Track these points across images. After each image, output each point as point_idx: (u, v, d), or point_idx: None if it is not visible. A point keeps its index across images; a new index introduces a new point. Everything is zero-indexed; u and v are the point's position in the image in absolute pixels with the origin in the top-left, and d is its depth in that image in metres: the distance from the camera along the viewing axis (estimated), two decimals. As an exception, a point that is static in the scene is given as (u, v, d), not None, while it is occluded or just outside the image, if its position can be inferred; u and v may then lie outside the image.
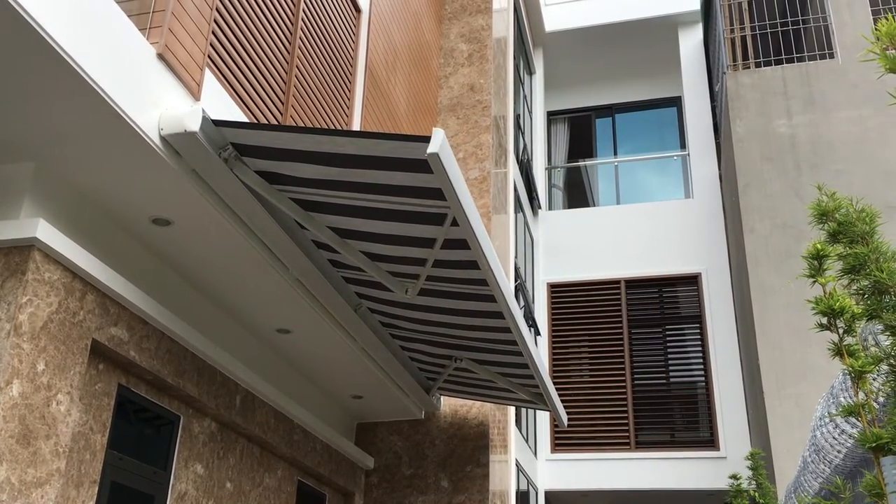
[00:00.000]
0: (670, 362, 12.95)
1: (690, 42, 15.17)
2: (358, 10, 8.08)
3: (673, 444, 12.46)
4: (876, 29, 2.66)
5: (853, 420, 4.19)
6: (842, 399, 4.09)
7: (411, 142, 4.08)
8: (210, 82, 5.14)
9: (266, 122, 5.77)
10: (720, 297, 12.94)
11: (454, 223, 4.81)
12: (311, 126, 6.59)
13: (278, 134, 4.30)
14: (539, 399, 7.97)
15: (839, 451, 4.53)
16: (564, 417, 8.76)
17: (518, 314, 5.99)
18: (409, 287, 5.74)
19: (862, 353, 3.62)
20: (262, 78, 5.89)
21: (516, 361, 7.06)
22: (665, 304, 13.30)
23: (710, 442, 12.27)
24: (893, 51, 2.60)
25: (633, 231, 13.81)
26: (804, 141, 10.86)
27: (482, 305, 5.98)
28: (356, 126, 7.66)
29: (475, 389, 8.10)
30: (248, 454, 6.64)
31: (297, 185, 4.74)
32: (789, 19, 12.52)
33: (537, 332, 13.21)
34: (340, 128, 7.26)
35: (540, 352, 13.33)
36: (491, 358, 7.12)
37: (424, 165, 4.22)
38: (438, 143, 4.02)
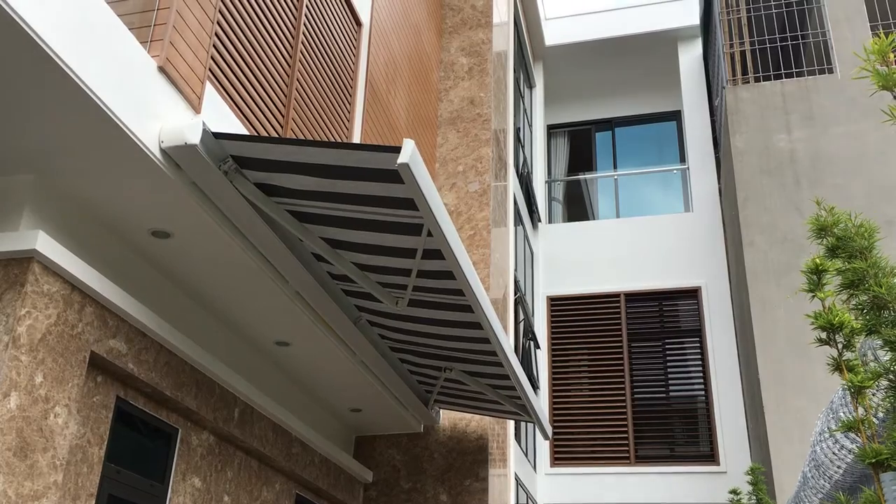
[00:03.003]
0: (670, 376, 12.92)
1: (690, 56, 15.23)
2: (359, 23, 8.11)
3: (673, 459, 12.42)
4: (867, 46, 2.67)
5: (853, 435, 4.17)
6: (841, 414, 4.08)
7: (383, 152, 4.12)
8: (211, 95, 5.16)
9: (266, 135, 5.79)
10: (720, 310, 12.93)
11: (430, 233, 4.85)
12: (310, 139, 6.61)
13: (265, 145, 4.33)
14: (523, 411, 7.97)
15: (839, 467, 4.51)
16: (549, 430, 8.77)
17: (496, 324, 6.00)
18: (399, 299, 5.77)
19: (861, 369, 3.62)
20: (262, 91, 5.91)
21: (500, 372, 7.08)
22: (665, 317, 13.29)
23: (710, 456, 12.23)
24: (885, 67, 2.61)
25: (633, 245, 13.82)
26: (803, 155, 10.88)
27: (466, 316, 6.01)
28: (356, 139, 7.68)
29: (470, 402, 8.11)
30: (247, 467, 6.62)
31: (290, 197, 4.78)
32: (788, 34, 12.57)
33: (537, 346, 13.19)
34: (341, 141, 7.27)
35: (540, 365, 13.31)
36: (478, 369, 7.14)
37: (398, 176, 4.26)
38: (409, 153, 4.07)
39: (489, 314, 5.77)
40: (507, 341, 6.42)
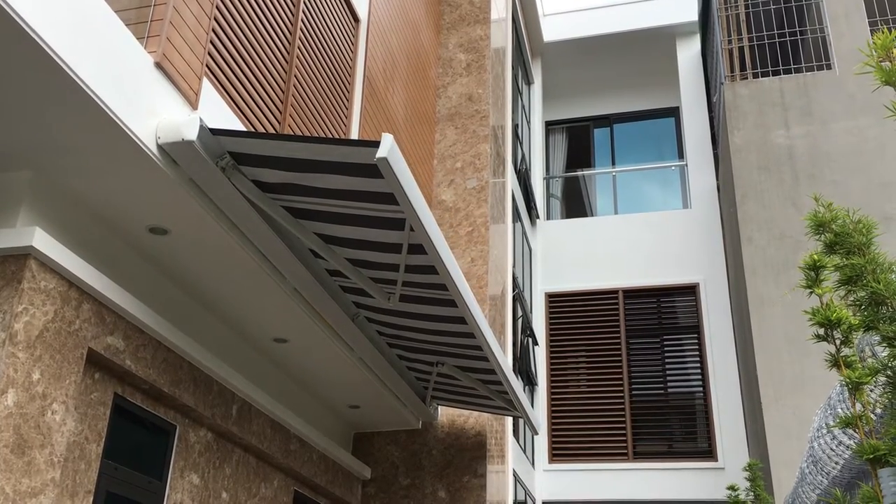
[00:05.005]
0: (668, 373, 12.93)
1: (688, 53, 15.22)
2: (356, 19, 8.10)
3: (671, 455, 12.43)
4: (871, 42, 2.66)
5: (850, 431, 4.18)
6: (839, 410, 4.08)
7: (362, 147, 4.15)
8: (208, 91, 5.14)
9: (263, 131, 5.79)
10: (718, 307, 12.94)
11: (413, 228, 4.89)
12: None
13: (261, 141, 4.35)
14: (511, 405, 8.00)
15: (837, 463, 4.52)
16: (537, 425, 8.80)
17: (480, 318, 6.03)
18: (391, 294, 5.80)
19: (859, 365, 3.62)
20: (260, 87, 5.90)
21: (488, 367, 7.11)
22: (663, 314, 13.29)
23: (708, 453, 12.24)
24: (888, 63, 2.61)
25: (631, 241, 13.82)
26: (802, 152, 10.88)
27: (454, 310, 6.03)
28: (354, 135, 7.67)
29: (464, 398, 8.13)
30: (245, 464, 6.62)
31: (285, 193, 4.79)
32: (787, 30, 12.56)
33: (535, 342, 13.19)
34: (338, 137, 7.26)
35: (538, 361, 13.32)
36: (468, 364, 7.17)
37: (377, 170, 4.28)
38: (387, 147, 4.09)
39: (472, 308, 5.79)
40: (492, 335, 6.45)
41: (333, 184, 4.54)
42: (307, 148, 4.28)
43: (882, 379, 3.36)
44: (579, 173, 15.87)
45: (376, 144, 4.15)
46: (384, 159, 4.12)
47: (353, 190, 4.58)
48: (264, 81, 5.98)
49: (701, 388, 12.66)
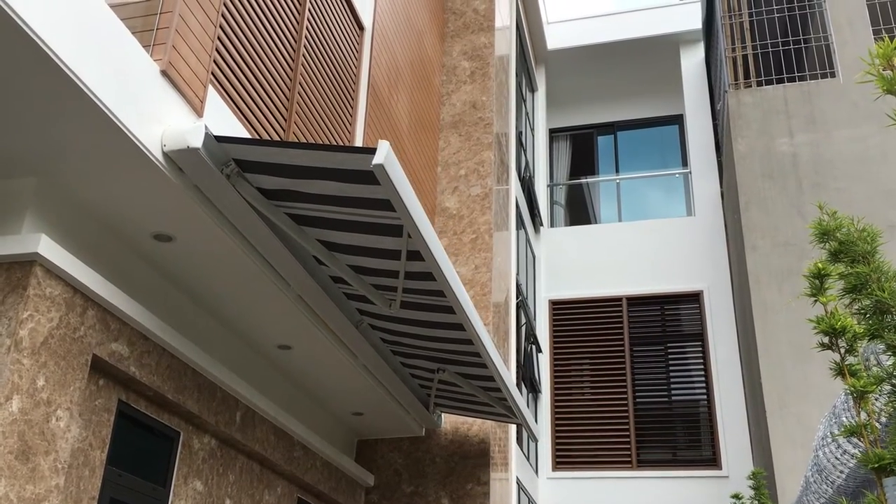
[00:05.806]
0: (672, 380, 12.91)
1: (692, 60, 15.23)
2: (361, 27, 8.12)
3: (675, 463, 12.40)
4: (873, 50, 2.67)
5: (855, 440, 4.17)
6: (844, 419, 4.07)
7: (359, 153, 4.16)
8: (213, 99, 5.16)
9: (268, 138, 5.81)
10: (722, 314, 12.92)
11: (410, 234, 4.90)
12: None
13: (266, 149, 4.36)
14: (510, 412, 8.00)
15: (841, 472, 4.50)
16: (537, 432, 8.79)
17: (478, 324, 6.03)
18: (392, 301, 5.81)
19: (864, 373, 3.61)
20: (265, 95, 5.92)
21: (487, 374, 7.12)
22: (667, 321, 13.28)
23: (713, 461, 12.21)
24: (889, 72, 2.61)
25: (635, 248, 13.81)
26: (806, 159, 10.87)
27: (454, 317, 6.03)
28: (358, 143, 7.69)
29: (467, 405, 8.13)
30: (248, 471, 6.62)
31: (288, 200, 4.81)
32: (791, 38, 12.57)
33: (539, 350, 13.17)
34: (342, 144, 7.28)
35: (542, 369, 13.30)
36: (470, 371, 7.17)
37: (374, 177, 4.29)
38: (383, 154, 4.10)
39: (471, 315, 5.80)
40: (491, 342, 6.45)
41: (333, 190, 4.56)
42: (307, 154, 4.30)
43: (887, 388, 3.35)
44: (583, 181, 15.87)
45: (373, 151, 4.16)
46: (380, 166, 4.13)
47: (352, 196, 4.60)
48: (269, 89, 6.00)
49: (705, 396, 12.63)
